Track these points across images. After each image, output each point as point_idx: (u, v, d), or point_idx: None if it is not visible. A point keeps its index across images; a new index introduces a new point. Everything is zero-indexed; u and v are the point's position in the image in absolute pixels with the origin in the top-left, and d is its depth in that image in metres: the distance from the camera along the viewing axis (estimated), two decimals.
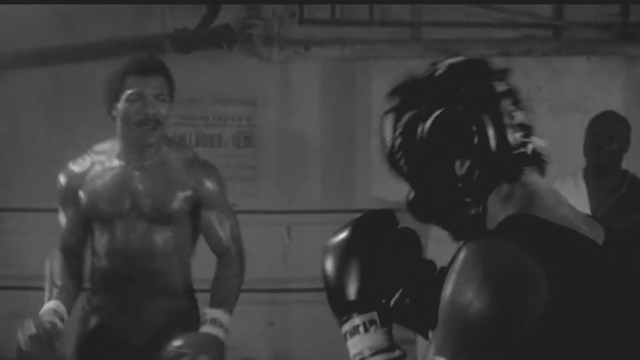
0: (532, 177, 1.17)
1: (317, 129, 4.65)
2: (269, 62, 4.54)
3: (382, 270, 1.20)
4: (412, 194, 1.24)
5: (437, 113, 1.14)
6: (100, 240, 2.46)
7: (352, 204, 4.53)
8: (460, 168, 1.15)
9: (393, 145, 1.20)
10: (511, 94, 1.16)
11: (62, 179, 2.53)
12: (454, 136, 1.14)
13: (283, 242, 4.71)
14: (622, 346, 1.12)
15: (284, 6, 4.58)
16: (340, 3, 4.51)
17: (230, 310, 2.53)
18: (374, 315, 1.18)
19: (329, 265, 1.24)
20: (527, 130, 1.16)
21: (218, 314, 2.46)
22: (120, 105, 2.37)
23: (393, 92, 1.22)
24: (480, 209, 1.17)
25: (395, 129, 1.19)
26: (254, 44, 4.49)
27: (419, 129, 1.16)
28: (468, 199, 1.16)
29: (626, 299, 1.13)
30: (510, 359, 1.07)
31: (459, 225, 1.20)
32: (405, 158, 1.19)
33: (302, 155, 4.68)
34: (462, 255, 1.09)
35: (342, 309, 1.22)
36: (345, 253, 1.22)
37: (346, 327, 1.22)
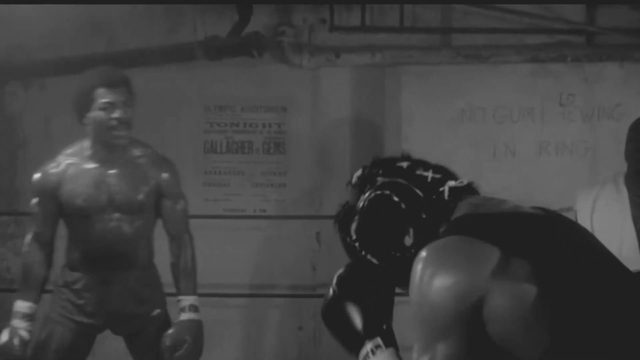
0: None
1: (347, 135, 4.66)
2: (300, 69, 4.56)
3: (375, 304, 1.45)
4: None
5: (363, 204, 1.45)
6: (79, 230, 2.92)
7: None
8: (410, 238, 1.38)
9: (356, 250, 1.51)
10: (414, 165, 1.47)
11: (40, 178, 2.96)
12: (391, 220, 1.39)
13: (312, 248, 4.72)
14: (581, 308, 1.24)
15: (315, 13, 4.60)
16: (370, 3, 4.51)
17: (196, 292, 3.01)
18: (378, 340, 1.41)
19: (333, 315, 1.53)
20: (439, 180, 1.42)
21: (193, 299, 2.98)
22: (93, 113, 2.83)
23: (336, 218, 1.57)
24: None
25: (351, 241, 1.50)
26: (284, 51, 4.51)
27: (353, 225, 1.47)
28: (413, 250, 1.38)
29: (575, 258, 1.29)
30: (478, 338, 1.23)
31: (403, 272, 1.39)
32: (360, 240, 1.48)
33: (331, 161, 4.68)
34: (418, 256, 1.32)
35: (353, 343, 1.46)
36: (343, 300, 1.50)
37: (360, 358, 1.45)
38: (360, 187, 1.48)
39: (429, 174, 1.44)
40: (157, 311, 3.01)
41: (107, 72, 2.92)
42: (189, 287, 2.99)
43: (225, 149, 4.72)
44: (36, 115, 4.78)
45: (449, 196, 1.40)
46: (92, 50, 4.49)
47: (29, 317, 2.92)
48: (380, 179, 1.45)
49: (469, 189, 1.43)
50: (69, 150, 2.98)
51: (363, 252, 1.45)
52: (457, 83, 4.43)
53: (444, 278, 1.24)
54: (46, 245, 2.99)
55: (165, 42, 4.57)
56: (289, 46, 4.51)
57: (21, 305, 2.93)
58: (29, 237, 3.00)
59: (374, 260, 1.44)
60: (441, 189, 1.41)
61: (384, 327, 1.42)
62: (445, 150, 4.40)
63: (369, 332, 1.42)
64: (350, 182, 1.51)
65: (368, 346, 1.41)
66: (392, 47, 4.52)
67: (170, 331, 2.91)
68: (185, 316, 2.95)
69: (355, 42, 4.53)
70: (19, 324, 2.91)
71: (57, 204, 2.94)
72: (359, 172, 1.52)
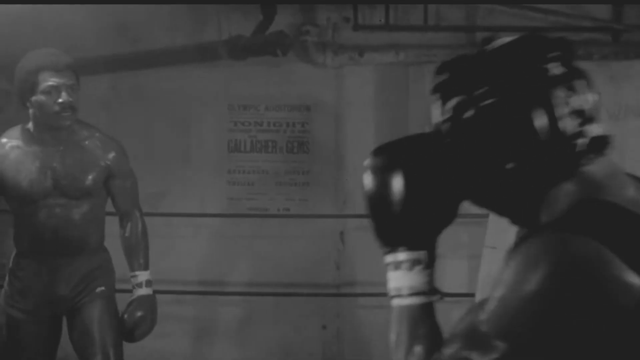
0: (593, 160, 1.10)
1: (370, 134, 4.65)
2: (323, 68, 4.56)
3: (437, 205, 1.13)
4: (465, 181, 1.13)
5: (485, 103, 1.07)
6: (25, 216, 2.81)
7: None
8: (510, 164, 1.07)
9: (441, 130, 1.13)
10: (566, 77, 1.07)
11: None
12: (502, 131, 1.07)
13: (336, 247, 4.72)
14: None
15: (339, 12, 4.60)
16: (394, 3, 4.50)
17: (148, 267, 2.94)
18: (422, 254, 1.13)
19: (383, 183, 1.16)
20: (583, 116, 1.07)
21: (147, 275, 2.90)
22: (37, 97, 2.71)
23: (441, 70, 1.16)
24: (532, 199, 1.10)
25: (443, 112, 1.13)
26: (308, 50, 4.52)
27: (468, 118, 1.09)
28: (520, 192, 1.09)
29: None
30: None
31: (512, 213, 1.14)
32: (454, 145, 1.12)
33: (355, 160, 4.68)
34: (531, 244, 1.02)
35: (390, 238, 1.15)
36: (403, 177, 1.14)
37: (390, 258, 1.17)
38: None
39: (578, 101, 1.07)
40: (100, 289, 2.90)
41: (51, 55, 2.78)
42: (143, 262, 2.91)
43: (249, 148, 4.73)
44: None
45: (588, 145, 1.08)
46: (118, 50, 4.52)
47: None
48: (515, 77, 1.06)
49: (603, 148, 1.11)
50: (11, 132, 2.87)
51: (453, 146, 1.10)
52: None
53: (568, 293, 0.98)
54: None
55: (190, 42, 4.60)
56: (312, 45, 4.52)
57: None
58: None
59: (462, 168, 1.10)
60: (581, 128, 1.08)
61: (435, 240, 1.13)
62: None
63: (415, 237, 1.12)
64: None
65: (402, 255, 1.13)
66: (416, 45, 4.51)
67: (130, 307, 2.84)
68: (142, 291, 2.86)
69: (379, 41, 4.53)
70: None
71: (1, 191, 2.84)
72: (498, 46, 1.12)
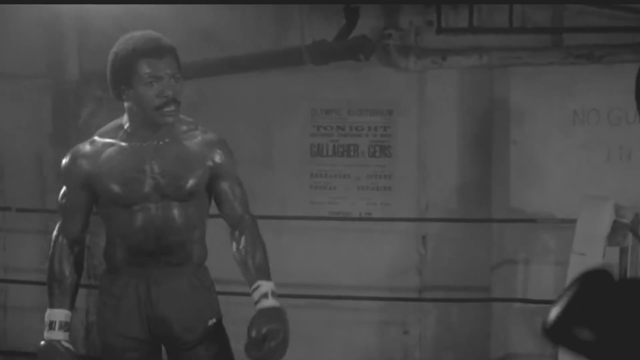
0: None
1: (453, 138, 4.61)
2: (406, 72, 4.55)
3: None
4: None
5: None
6: (119, 223, 2.43)
7: (488, 214, 4.46)
8: None
9: None
10: None
11: (71, 162, 2.44)
12: None
13: (418, 251, 4.69)
14: None
15: (421, 15, 4.58)
16: (479, 3, 4.44)
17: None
18: None
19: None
20: None
21: (271, 285, 2.40)
22: (135, 88, 2.30)
23: None
24: None
25: None
26: (390, 54, 4.51)
27: None
28: None
29: None
30: None
31: None
32: None
33: (438, 164, 4.65)
34: None
35: None
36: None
37: None
38: None
39: None
40: (212, 320, 2.49)
41: (150, 38, 2.36)
42: (265, 271, 2.42)
43: (331, 152, 4.76)
44: None
45: None
46: (205, 56, 4.62)
47: (67, 326, 2.46)
48: None
49: None
50: (104, 129, 2.48)
51: None
52: (569, 84, 4.30)
53: None
54: (75, 243, 2.52)
55: (274, 47, 4.66)
56: (395, 49, 4.51)
57: (57, 314, 2.45)
58: (56, 232, 2.51)
59: None
60: None
61: None
62: (556, 153, 4.28)
63: None
64: None
65: None
66: (500, 48, 4.44)
67: (256, 321, 2.28)
68: (268, 303, 2.32)
69: (462, 44, 4.48)
70: (57, 335, 2.43)
71: (90, 193, 2.44)
72: None
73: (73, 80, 4.95)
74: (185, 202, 2.43)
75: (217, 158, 2.48)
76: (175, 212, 2.42)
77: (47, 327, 2.45)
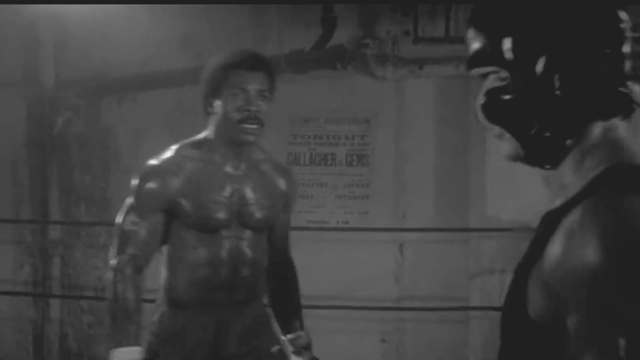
0: (616, 122, 1.09)
1: (430, 147, 4.63)
2: (383, 81, 4.56)
3: None
4: (507, 96, 1.13)
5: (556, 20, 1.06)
6: (195, 251, 2.20)
7: (466, 223, 4.48)
8: (559, 82, 1.06)
9: (494, 37, 1.11)
10: (629, 32, 1.08)
11: (149, 179, 2.19)
12: (569, 42, 1.06)
13: (395, 260, 4.70)
14: None
15: (398, 25, 4.60)
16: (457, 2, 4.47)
17: None
18: None
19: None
20: (629, 70, 1.07)
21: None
22: (221, 101, 2.17)
23: None
24: (559, 139, 1.08)
25: (511, 22, 1.10)
26: (368, 63, 4.53)
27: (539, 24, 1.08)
28: (554, 120, 1.07)
29: None
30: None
31: (541, 147, 1.10)
32: (517, 60, 1.10)
33: (415, 173, 4.66)
34: (579, 213, 0.98)
35: None
36: None
37: None
38: None
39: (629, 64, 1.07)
40: (276, 347, 2.30)
41: (245, 52, 2.23)
42: (301, 320, 2.31)
43: (308, 161, 4.76)
44: (129, 128, 4.94)
45: (629, 97, 1.06)
46: (181, 65, 4.61)
47: None
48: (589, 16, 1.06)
49: (632, 109, 1.09)
50: (188, 142, 2.27)
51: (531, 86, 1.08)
52: None
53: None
54: (140, 272, 2.22)
55: None
56: (372, 58, 4.53)
57: (129, 353, 2.12)
58: (121, 261, 2.18)
59: (533, 99, 1.08)
60: (626, 84, 1.07)
61: None
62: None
63: None
64: None
65: None
66: None
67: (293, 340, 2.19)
68: (308, 356, 2.23)
69: (439, 53, 4.51)
70: None
71: (167, 215, 2.19)
72: None
73: (49, 88, 4.91)
74: (259, 233, 2.28)
75: (288, 187, 2.36)
76: (250, 243, 2.25)
77: None
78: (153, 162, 2.22)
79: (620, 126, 1.08)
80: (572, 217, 0.98)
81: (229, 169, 2.23)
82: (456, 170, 4.58)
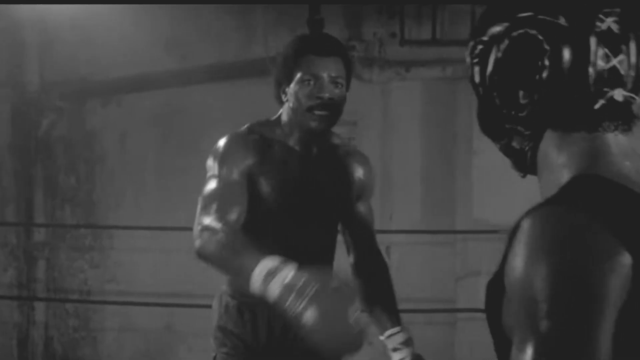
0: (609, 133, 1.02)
1: (417, 149, 4.63)
2: (370, 84, 4.56)
3: None
4: (478, 108, 1.15)
5: (515, 34, 1.04)
6: (270, 240, 2.03)
7: (452, 225, 4.48)
8: (522, 97, 1.04)
9: (473, 55, 1.14)
10: (612, 34, 1.00)
11: (236, 145, 2.11)
12: (523, 62, 1.03)
13: None
14: None
15: (385, 27, 4.60)
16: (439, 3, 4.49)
17: None
18: None
19: None
20: (616, 79, 1.00)
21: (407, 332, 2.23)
22: (292, 87, 2.06)
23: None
24: (531, 145, 1.07)
25: (479, 37, 1.12)
26: (354, 65, 4.52)
27: (499, 45, 1.08)
28: (520, 129, 1.07)
29: None
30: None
31: (510, 153, 1.13)
32: (480, 70, 1.13)
33: (402, 175, 4.66)
34: (524, 225, 0.97)
35: None
36: None
37: None
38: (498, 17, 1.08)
39: (615, 63, 1.00)
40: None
41: (319, 37, 2.22)
42: (398, 315, 2.24)
43: None
44: (113, 130, 4.91)
45: (608, 106, 1.01)
46: (168, 67, 4.59)
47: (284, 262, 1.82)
48: (561, 21, 1.01)
49: (628, 118, 1.02)
50: (262, 121, 2.20)
51: (491, 94, 1.09)
52: None
53: (575, 271, 0.91)
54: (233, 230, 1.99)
55: (237, 58, 4.64)
56: (359, 61, 4.52)
57: (269, 261, 1.80)
58: (213, 219, 1.97)
59: (497, 101, 1.08)
60: (607, 89, 1.00)
61: None
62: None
63: None
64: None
65: None
66: (463, 60, 4.46)
67: None
68: (408, 352, 2.17)
69: (425, 56, 4.51)
70: (287, 271, 1.77)
71: (248, 190, 2.06)
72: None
73: (33, 90, 4.88)
74: (336, 225, 2.20)
75: (365, 176, 2.24)
76: (329, 236, 2.19)
77: (271, 274, 1.78)
78: (236, 132, 2.16)
79: (608, 140, 1.02)
80: (518, 230, 0.98)
81: (302, 152, 2.11)
82: (443, 173, 4.58)
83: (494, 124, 1.11)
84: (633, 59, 1.01)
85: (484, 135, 1.16)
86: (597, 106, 1.00)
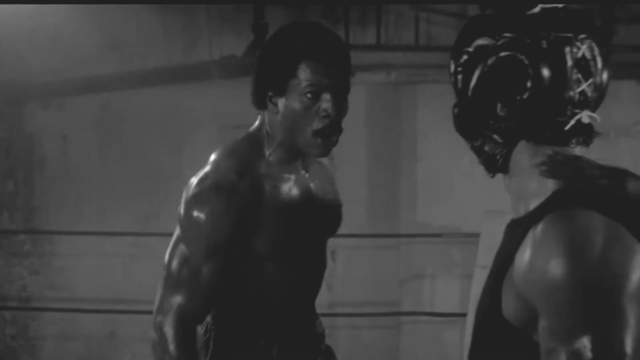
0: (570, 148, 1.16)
1: (362, 154, 4.65)
2: None
3: None
4: (457, 109, 1.25)
5: (502, 55, 1.13)
6: (275, 279, 1.76)
7: (397, 229, 4.51)
8: (501, 110, 1.15)
9: (459, 59, 1.21)
10: (585, 60, 1.13)
11: (206, 208, 1.64)
12: (507, 84, 1.13)
13: (328, 266, 4.70)
14: None
15: None
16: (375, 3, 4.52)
17: None
18: None
19: None
20: (584, 101, 1.13)
21: None
22: (287, 100, 1.68)
23: (485, 7, 1.21)
24: (504, 152, 1.18)
25: (467, 44, 1.19)
26: None
27: (485, 59, 1.16)
28: (495, 139, 1.17)
29: None
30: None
31: (482, 155, 1.23)
32: (463, 76, 1.21)
33: (347, 180, 4.67)
34: (545, 228, 1.06)
35: None
36: None
37: None
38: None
39: (584, 86, 1.12)
40: None
41: (323, 35, 1.71)
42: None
43: None
44: (54, 134, 4.82)
45: (575, 127, 1.13)
46: (111, 70, 4.52)
47: None
48: (543, 43, 1.11)
49: (588, 136, 1.16)
50: (244, 150, 1.77)
51: (473, 103, 1.19)
52: None
53: (602, 262, 1.02)
54: (192, 330, 1.70)
55: (182, 62, 4.60)
56: None
57: None
58: (169, 322, 1.66)
59: (476, 110, 1.19)
60: (577, 110, 1.13)
61: None
62: (461, 168, 4.38)
63: None
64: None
65: None
66: (408, 65, 4.52)
67: None
68: None
69: (370, 61, 4.54)
70: None
71: (239, 251, 1.70)
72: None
73: None
74: (324, 251, 1.91)
75: (339, 200, 2.00)
76: (322, 264, 1.93)
77: None
78: (208, 186, 1.65)
79: (574, 152, 1.15)
80: (538, 230, 1.06)
81: (296, 176, 1.77)
82: (387, 177, 4.62)
83: (470, 127, 1.22)
84: (598, 80, 1.15)
85: (457, 133, 1.26)
86: (567, 127, 1.12)
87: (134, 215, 4.70)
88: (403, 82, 4.53)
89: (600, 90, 1.16)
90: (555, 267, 1.02)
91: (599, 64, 1.14)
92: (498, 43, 1.14)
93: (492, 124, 1.16)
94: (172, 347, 1.64)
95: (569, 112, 1.12)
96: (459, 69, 1.21)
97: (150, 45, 4.65)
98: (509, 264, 1.10)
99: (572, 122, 1.12)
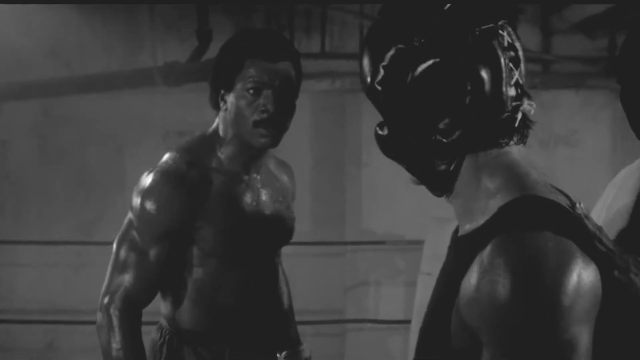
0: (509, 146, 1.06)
1: (307, 161, 4.66)
2: None
3: None
4: (385, 130, 1.10)
5: (431, 62, 1.01)
6: (221, 280, 1.79)
7: (342, 236, 4.53)
8: (442, 123, 1.03)
9: (375, 75, 1.06)
10: (511, 47, 1.03)
11: (155, 198, 1.75)
12: (444, 91, 1.01)
13: None
14: None
15: None
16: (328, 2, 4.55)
17: None
18: None
19: None
20: (520, 91, 1.03)
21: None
22: (235, 96, 1.78)
23: (385, 12, 1.06)
24: (451, 168, 1.06)
25: (380, 58, 1.05)
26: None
27: (409, 70, 1.03)
28: (440, 154, 1.05)
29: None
30: None
31: (424, 175, 1.11)
32: (386, 93, 1.06)
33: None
34: (494, 249, 0.97)
35: None
36: None
37: None
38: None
39: (517, 75, 1.02)
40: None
41: (270, 37, 1.84)
42: (297, 331, 2.13)
43: None
44: None
45: (519, 121, 1.03)
46: (51, 75, 4.44)
47: None
48: (468, 39, 1.00)
49: (528, 128, 1.05)
50: (193, 149, 1.87)
51: (406, 121, 1.05)
52: None
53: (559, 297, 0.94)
54: (138, 312, 1.79)
55: (124, 68, 4.55)
56: None
57: None
58: (115, 302, 1.75)
59: (385, 115, 1.07)
60: (517, 103, 1.03)
61: None
62: (406, 176, 4.42)
63: None
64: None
65: None
66: (352, 73, 4.55)
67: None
68: None
69: (315, 69, 4.56)
70: None
71: (184, 239, 1.76)
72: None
73: None
74: (278, 255, 1.95)
75: (292, 185, 2.07)
76: (278, 262, 1.97)
77: None
78: (157, 174, 1.77)
79: (512, 151, 1.05)
80: (485, 255, 0.98)
81: (246, 177, 1.84)
82: (332, 184, 4.63)
83: (406, 148, 1.09)
84: (523, 67, 1.04)
85: (389, 158, 1.14)
86: (516, 124, 1.03)
87: (76, 224, 4.61)
88: (347, 90, 4.56)
89: (524, 77, 1.05)
90: (500, 298, 0.94)
91: (519, 48, 1.04)
92: (418, 50, 1.01)
93: (433, 140, 1.03)
94: (116, 327, 1.74)
95: (510, 106, 1.02)
96: (379, 87, 1.05)
97: (92, 50, 4.59)
98: (456, 291, 1.01)
99: (519, 115, 1.02)
